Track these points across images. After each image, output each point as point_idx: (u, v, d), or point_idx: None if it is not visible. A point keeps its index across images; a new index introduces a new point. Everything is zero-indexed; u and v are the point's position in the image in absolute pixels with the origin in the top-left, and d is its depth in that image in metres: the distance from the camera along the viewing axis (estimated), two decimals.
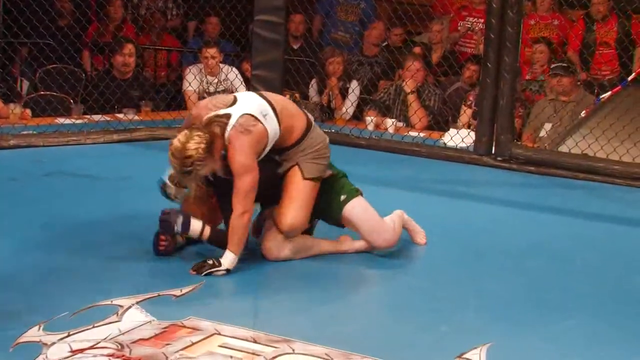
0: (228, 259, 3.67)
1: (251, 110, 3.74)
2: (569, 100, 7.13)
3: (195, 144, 3.59)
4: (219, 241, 3.78)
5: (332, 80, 7.96)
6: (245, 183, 3.66)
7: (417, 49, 8.33)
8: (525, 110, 7.35)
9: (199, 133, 3.63)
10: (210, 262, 3.68)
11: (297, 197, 3.87)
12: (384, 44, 8.76)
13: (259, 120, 3.72)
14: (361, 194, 4.06)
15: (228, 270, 3.67)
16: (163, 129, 6.89)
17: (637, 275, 4.12)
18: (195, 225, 3.81)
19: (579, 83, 7.61)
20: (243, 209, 3.67)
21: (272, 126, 3.76)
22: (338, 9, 9.28)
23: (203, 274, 3.64)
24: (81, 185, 5.22)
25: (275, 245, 3.87)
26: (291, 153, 3.89)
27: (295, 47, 8.80)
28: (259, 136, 3.71)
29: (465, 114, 7.46)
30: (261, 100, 3.84)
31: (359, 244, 4.06)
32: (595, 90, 7.39)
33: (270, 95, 3.99)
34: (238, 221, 3.67)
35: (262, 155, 3.79)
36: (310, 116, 4.03)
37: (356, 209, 4.00)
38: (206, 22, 9.08)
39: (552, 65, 7.31)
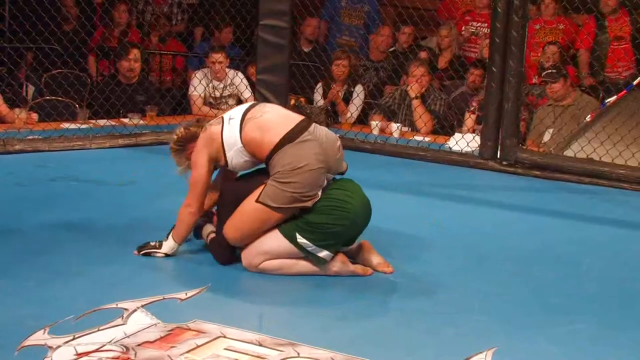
0: (168, 244, 3.89)
1: (226, 113, 3.91)
2: (567, 104, 7.13)
3: (174, 135, 4.00)
4: (211, 249, 3.93)
5: (334, 87, 7.98)
6: (192, 177, 3.86)
7: (423, 54, 8.34)
8: (530, 115, 7.34)
9: (182, 129, 3.98)
10: (153, 243, 3.91)
11: (238, 214, 3.76)
12: (391, 49, 8.77)
13: (221, 122, 3.85)
14: (302, 237, 3.72)
15: (167, 255, 3.89)
16: (168, 133, 6.78)
17: None
18: (205, 231, 4.02)
19: (583, 88, 7.61)
20: (187, 201, 3.86)
21: (230, 130, 3.81)
22: (342, 12, 9.29)
23: (142, 253, 3.89)
24: (86, 190, 5.23)
25: (247, 253, 3.80)
26: (269, 168, 3.77)
27: (306, 50, 8.84)
28: (209, 136, 3.85)
29: (470, 119, 7.46)
30: (245, 106, 3.94)
31: (353, 267, 3.86)
32: (600, 94, 7.39)
33: (263, 104, 4.00)
34: (181, 211, 3.88)
35: (231, 160, 3.82)
36: (296, 133, 3.73)
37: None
38: (222, 31, 9.07)
39: (543, 74, 7.30)
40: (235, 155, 3.81)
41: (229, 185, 3.97)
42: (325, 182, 3.79)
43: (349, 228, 3.78)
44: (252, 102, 4.03)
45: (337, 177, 3.91)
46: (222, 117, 3.87)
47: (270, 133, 3.75)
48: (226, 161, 3.84)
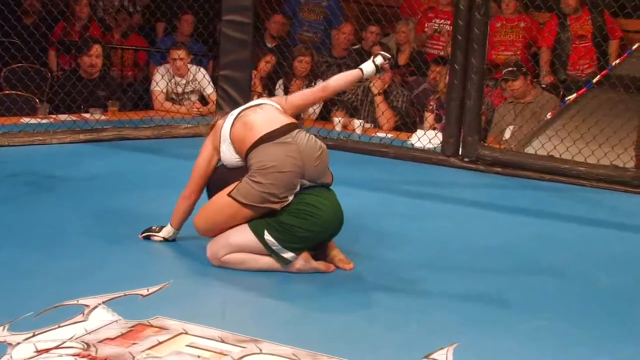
0: (166, 229, 4.09)
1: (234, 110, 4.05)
2: (528, 102, 7.18)
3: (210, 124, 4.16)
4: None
5: (295, 83, 7.96)
6: (195, 162, 4.01)
7: (377, 48, 8.36)
8: (489, 112, 7.36)
9: (217, 118, 4.13)
10: (155, 227, 4.12)
11: (208, 206, 3.88)
12: (356, 47, 8.76)
13: (226, 116, 4.00)
14: (271, 234, 3.73)
15: (165, 239, 4.09)
16: (130, 129, 6.85)
17: (602, 275, 4.15)
18: None
19: (543, 86, 7.66)
20: (187, 187, 4.02)
21: (226, 125, 3.93)
22: (302, 8, 9.28)
23: (143, 236, 4.11)
24: (47, 186, 5.18)
25: (213, 244, 3.84)
26: (247, 165, 3.80)
27: (270, 46, 8.82)
28: (216, 127, 4.01)
29: (430, 117, 7.46)
30: (247, 104, 4.06)
31: (316, 264, 3.86)
32: (561, 92, 7.44)
33: (260, 105, 3.99)
34: (180, 196, 4.04)
35: (223, 154, 3.92)
36: (276, 134, 3.76)
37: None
38: (181, 20, 9.03)
39: (503, 71, 7.32)
40: (225, 150, 3.91)
41: (219, 171, 4.01)
42: (299, 187, 3.78)
43: (318, 234, 3.79)
44: (254, 101, 4.12)
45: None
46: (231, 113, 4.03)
47: (253, 131, 3.80)
48: (220, 155, 3.95)
